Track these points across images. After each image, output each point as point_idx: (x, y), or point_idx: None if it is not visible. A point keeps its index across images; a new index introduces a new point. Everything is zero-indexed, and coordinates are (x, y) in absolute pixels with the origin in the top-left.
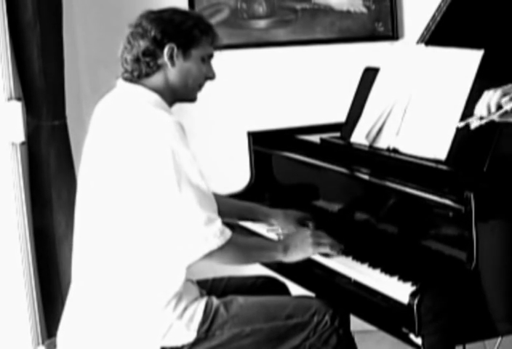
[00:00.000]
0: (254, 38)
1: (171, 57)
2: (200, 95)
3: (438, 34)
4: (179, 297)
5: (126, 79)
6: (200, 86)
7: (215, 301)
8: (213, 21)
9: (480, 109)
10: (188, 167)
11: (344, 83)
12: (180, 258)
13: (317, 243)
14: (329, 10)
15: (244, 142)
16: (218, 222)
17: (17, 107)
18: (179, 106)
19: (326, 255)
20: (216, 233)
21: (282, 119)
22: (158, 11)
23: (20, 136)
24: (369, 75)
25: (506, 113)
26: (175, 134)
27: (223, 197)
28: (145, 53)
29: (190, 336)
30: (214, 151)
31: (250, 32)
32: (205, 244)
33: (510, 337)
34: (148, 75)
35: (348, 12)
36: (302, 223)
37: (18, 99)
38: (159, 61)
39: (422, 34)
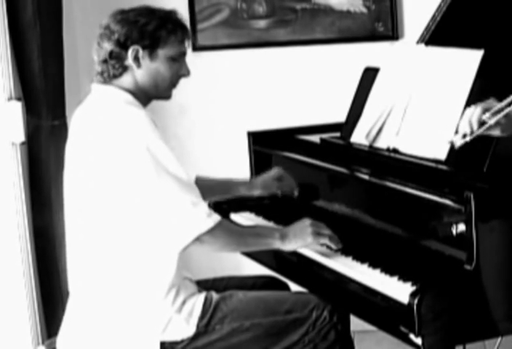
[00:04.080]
0: (254, 38)
1: (136, 59)
2: (200, 95)
3: (438, 34)
4: (177, 290)
5: (98, 81)
6: (174, 84)
7: (214, 296)
8: (213, 21)
9: (463, 127)
10: (163, 157)
11: (344, 83)
12: (170, 245)
13: (316, 233)
14: (329, 10)
15: (244, 142)
16: (203, 205)
17: (17, 107)
18: (179, 106)
19: (325, 255)
20: (202, 216)
21: (282, 119)
22: (127, 10)
23: (20, 136)
24: (369, 76)
25: (490, 128)
26: (147, 126)
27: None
28: (111, 55)
29: (189, 330)
30: (215, 151)
31: (250, 32)
32: (193, 227)
33: (510, 337)
34: (116, 76)
35: (348, 12)
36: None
37: (18, 99)
38: (125, 63)
39: (422, 34)
